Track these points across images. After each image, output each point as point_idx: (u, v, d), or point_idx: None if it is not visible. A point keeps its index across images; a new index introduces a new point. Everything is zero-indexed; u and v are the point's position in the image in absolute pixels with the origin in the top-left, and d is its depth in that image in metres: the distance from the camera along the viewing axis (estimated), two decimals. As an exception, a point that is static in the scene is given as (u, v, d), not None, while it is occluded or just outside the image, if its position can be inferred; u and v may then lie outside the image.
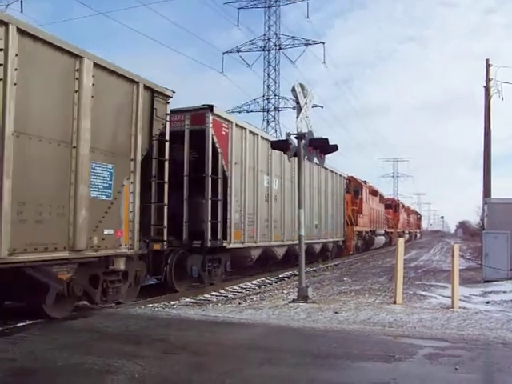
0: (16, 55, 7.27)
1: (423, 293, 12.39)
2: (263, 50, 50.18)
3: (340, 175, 26.15)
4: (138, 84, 9.94)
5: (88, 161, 8.62)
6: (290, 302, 10.41)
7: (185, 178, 12.81)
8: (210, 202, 12.76)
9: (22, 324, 7.83)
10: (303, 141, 10.71)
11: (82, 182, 8.44)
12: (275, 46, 49.97)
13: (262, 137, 16.02)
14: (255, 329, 7.92)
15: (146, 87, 10.17)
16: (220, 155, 13.19)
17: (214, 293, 13.00)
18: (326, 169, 22.99)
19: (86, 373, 5.40)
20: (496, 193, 20.17)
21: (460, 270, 11.35)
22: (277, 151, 14.26)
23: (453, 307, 9.88)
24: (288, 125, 56.13)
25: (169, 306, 10.36)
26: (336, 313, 9.15)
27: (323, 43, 49.32)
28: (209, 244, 12.76)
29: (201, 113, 12.87)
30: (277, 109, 50.27)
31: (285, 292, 12.63)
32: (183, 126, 12.92)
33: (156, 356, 6.12)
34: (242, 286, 14.61)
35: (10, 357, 5.89)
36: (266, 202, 16.04)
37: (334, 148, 10.98)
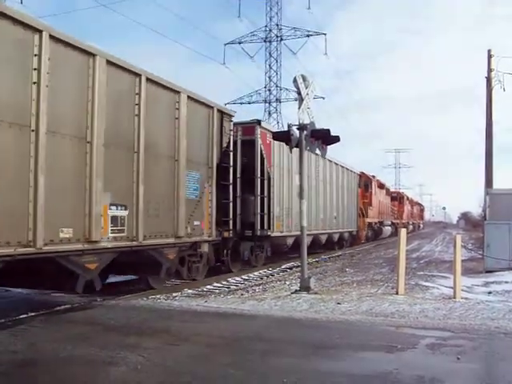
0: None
1: (425, 283, 12.39)
2: (265, 41, 50.13)
3: (353, 172, 28.72)
4: (213, 108, 12.83)
5: (185, 170, 11.57)
6: (292, 293, 10.42)
7: (238, 179, 15.04)
8: (259, 198, 15.66)
9: (23, 316, 7.84)
10: (305, 132, 10.67)
11: (182, 186, 11.43)
12: (277, 37, 49.91)
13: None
14: (257, 320, 7.93)
15: (218, 110, 13.05)
16: (265, 160, 16.12)
17: (216, 284, 13.03)
18: (342, 167, 25.99)
19: (88, 364, 5.41)
20: (500, 183, 20.15)
21: (462, 261, 11.34)
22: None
23: (455, 297, 9.90)
24: (290, 116, 56.12)
25: (171, 298, 10.36)
26: (338, 303, 9.16)
27: (325, 34, 49.29)
28: (258, 233, 15.63)
29: (251, 126, 15.77)
30: (278, 100, 50.28)
31: (287, 283, 12.64)
32: (236, 136, 15.24)
33: (158, 347, 6.13)
34: (244, 277, 14.63)
35: (11, 349, 5.90)
36: (297, 198, 17.09)
37: (336, 139, 10.95)
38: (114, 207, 9.36)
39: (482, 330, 7.12)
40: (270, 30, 49.92)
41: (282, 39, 49.98)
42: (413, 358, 5.71)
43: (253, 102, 51.00)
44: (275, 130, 17.66)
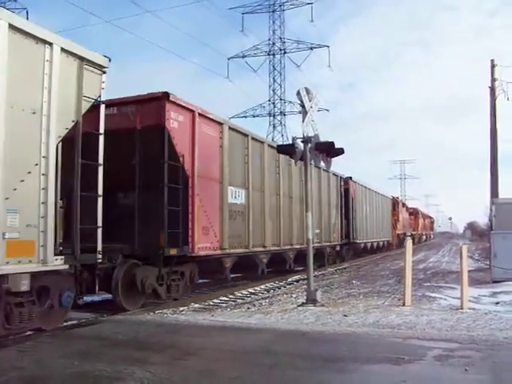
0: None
1: (432, 294, 12.33)
2: (268, 54, 50.44)
3: (388, 197, 39.03)
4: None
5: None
6: (298, 306, 10.40)
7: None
8: None
9: (30, 332, 7.85)
10: (309, 144, 10.72)
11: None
12: (280, 50, 50.22)
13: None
14: (264, 333, 7.91)
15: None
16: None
17: (222, 298, 13.02)
18: (382, 195, 35.81)
19: (95, 380, 5.41)
20: (506, 192, 20.08)
21: (469, 271, 11.30)
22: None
23: (462, 308, 9.84)
24: (295, 129, 56.28)
25: (177, 312, 10.36)
26: (345, 316, 9.14)
27: (328, 46, 49.56)
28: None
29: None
30: (283, 113, 50.47)
31: (294, 296, 12.61)
32: None
33: (165, 362, 6.13)
34: (250, 290, 14.61)
35: (19, 365, 5.90)
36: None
37: (340, 151, 10.99)
38: None
39: (490, 340, 7.08)
40: (274, 44, 50.27)
41: (285, 52, 50.30)
42: (420, 370, 5.67)
43: (257, 116, 51.23)
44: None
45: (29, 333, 7.80)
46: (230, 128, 13.57)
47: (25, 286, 7.11)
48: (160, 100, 10.88)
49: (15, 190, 6.97)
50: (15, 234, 6.92)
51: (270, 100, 50.47)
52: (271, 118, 50.40)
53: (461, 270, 10.36)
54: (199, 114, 11.92)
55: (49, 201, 7.45)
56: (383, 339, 7.32)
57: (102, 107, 8.75)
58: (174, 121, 11.05)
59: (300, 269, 18.18)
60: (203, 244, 11.86)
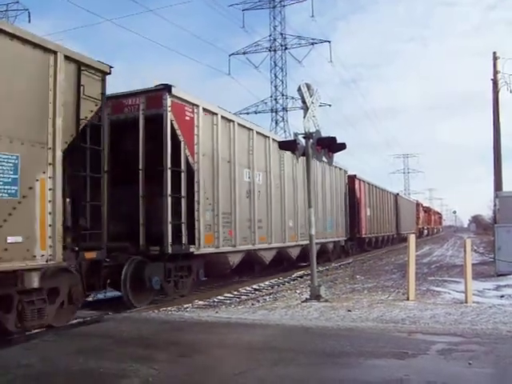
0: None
1: (436, 288, 12.35)
2: (269, 50, 50.18)
3: (413, 201, 57.23)
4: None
5: None
6: (302, 302, 10.42)
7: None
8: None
9: (36, 330, 7.89)
10: (311, 140, 10.72)
11: None
12: (281, 46, 49.95)
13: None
14: (268, 329, 7.92)
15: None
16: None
17: (227, 294, 13.04)
18: (407, 200, 51.94)
19: (101, 377, 5.44)
20: (511, 185, 20.05)
21: (473, 265, 11.30)
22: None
23: (466, 302, 9.86)
24: (297, 124, 56.20)
25: (182, 309, 10.40)
26: (349, 311, 9.16)
27: (329, 42, 49.33)
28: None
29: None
30: (285, 109, 50.24)
31: (298, 292, 12.63)
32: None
33: (170, 359, 6.16)
34: (254, 286, 14.64)
35: (24, 362, 5.94)
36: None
37: (342, 146, 10.98)
38: None
39: (494, 334, 7.09)
40: (275, 40, 50.01)
41: (286, 48, 50.03)
42: (424, 364, 5.68)
43: (259, 112, 51.03)
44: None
45: (34, 330, 7.86)
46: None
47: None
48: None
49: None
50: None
51: (271, 96, 50.34)
52: (273, 113, 50.26)
53: (465, 264, 10.35)
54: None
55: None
56: (387, 334, 7.32)
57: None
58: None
59: (304, 264, 18.24)
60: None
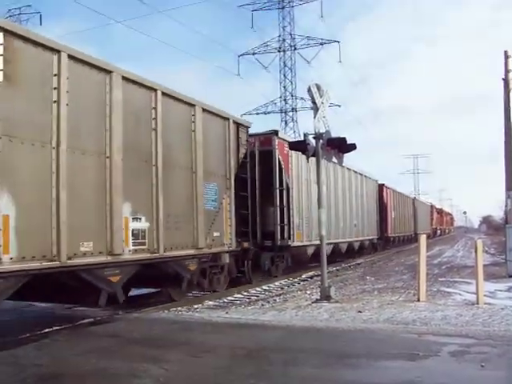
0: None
1: (447, 289, 12.28)
2: (278, 51, 50.25)
3: (428, 204, 61.29)
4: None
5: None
6: (312, 303, 10.41)
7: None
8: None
9: (47, 330, 7.93)
10: (321, 140, 10.70)
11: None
12: (290, 46, 50.01)
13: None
14: (278, 330, 7.93)
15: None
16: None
17: (237, 295, 13.04)
18: (423, 203, 55.40)
19: (112, 377, 5.47)
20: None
21: (484, 266, 11.19)
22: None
23: (478, 303, 9.78)
24: (307, 125, 56.18)
25: (192, 310, 10.41)
26: (359, 312, 9.13)
27: (338, 42, 49.28)
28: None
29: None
30: (294, 109, 50.30)
31: (308, 292, 12.61)
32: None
33: (180, 359, 6.17)
34: (264, 287, 14.61)
35: (36, 362, 5.98)
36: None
37: (352, 147, 10.96)
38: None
39: (507, 336, 7.03)
40: (284, 40, 50.05)
41: (295, 48, 50.07)
42: (435, 366, 5.65)
43: (269, 113, 51.12)
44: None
45: (46, 330, 7.90)
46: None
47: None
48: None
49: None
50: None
51: (281, 97, 50.38)
52: (283, 114, 50.31)
53: (476, 265, 10.29)
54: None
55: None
56: (398, 335, 7.30)
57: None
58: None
59: (314, 265, 18.36)
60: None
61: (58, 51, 7.89)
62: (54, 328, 8.10)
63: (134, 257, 9.40)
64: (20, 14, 41.86)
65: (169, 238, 10.23)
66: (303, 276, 17.58)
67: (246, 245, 13.62)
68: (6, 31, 7.07)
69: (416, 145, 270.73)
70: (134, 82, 9.59)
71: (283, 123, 49.73)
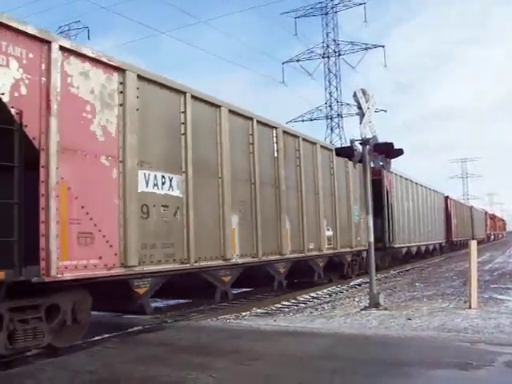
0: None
1: (499, 296, 11.95)
2: (323, 57, 50.20)
3: (482, 211, 63.61)
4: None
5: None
6: (361, 310, 10.30)
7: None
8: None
9: (98, 338, 8.10)
10: (368, 146, 10.61)
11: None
12: (334, 52, 49.89)
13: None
14: (327, 338, 7.86)
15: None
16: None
17: (284, 302, 13.01)
18: (478, 210, 57.34)
19: (161, 385, 5.53)
20: None
21: (539, 272, 10.88)
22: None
23: (533, 311, 9.50)
24: (353, 131, 55.83)
25: (240, 317, 10.44)
26: (409, 319, 8.98)
27: (383, 46, 48.88)
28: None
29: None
30: (340, 115, 50.11)
31: (356, 300, 12.48)
32: None
33: (229, 367, 6.18)
34: (312, 294, 14.54)
35: (88, 369, 6.11)
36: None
37: (400, 152, 10.82)
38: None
39: None
40: (328, 46, 49.98)
41: (339, 54, 49.92)
42: (490, 376, 5.48)
43: (314, 119, 51.07)
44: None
45: (96, 338, 8.06)
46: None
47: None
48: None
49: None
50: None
51: (326, 103, 50.24)
52: (328, 120, 50.13)
53: (530, 271, 10.00)
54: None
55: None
56: (449, 343, 7.13)
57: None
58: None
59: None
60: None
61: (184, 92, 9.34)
62: (105, 336, 8.27)
63: (240, 261, 10.70)
64: (69, 30, 43.15)
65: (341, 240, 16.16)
66: (351, 283, 17.41)
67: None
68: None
69: (466, 148, 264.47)
70: (236, 113, 10.91)
71: (329, 130, 49.57)
